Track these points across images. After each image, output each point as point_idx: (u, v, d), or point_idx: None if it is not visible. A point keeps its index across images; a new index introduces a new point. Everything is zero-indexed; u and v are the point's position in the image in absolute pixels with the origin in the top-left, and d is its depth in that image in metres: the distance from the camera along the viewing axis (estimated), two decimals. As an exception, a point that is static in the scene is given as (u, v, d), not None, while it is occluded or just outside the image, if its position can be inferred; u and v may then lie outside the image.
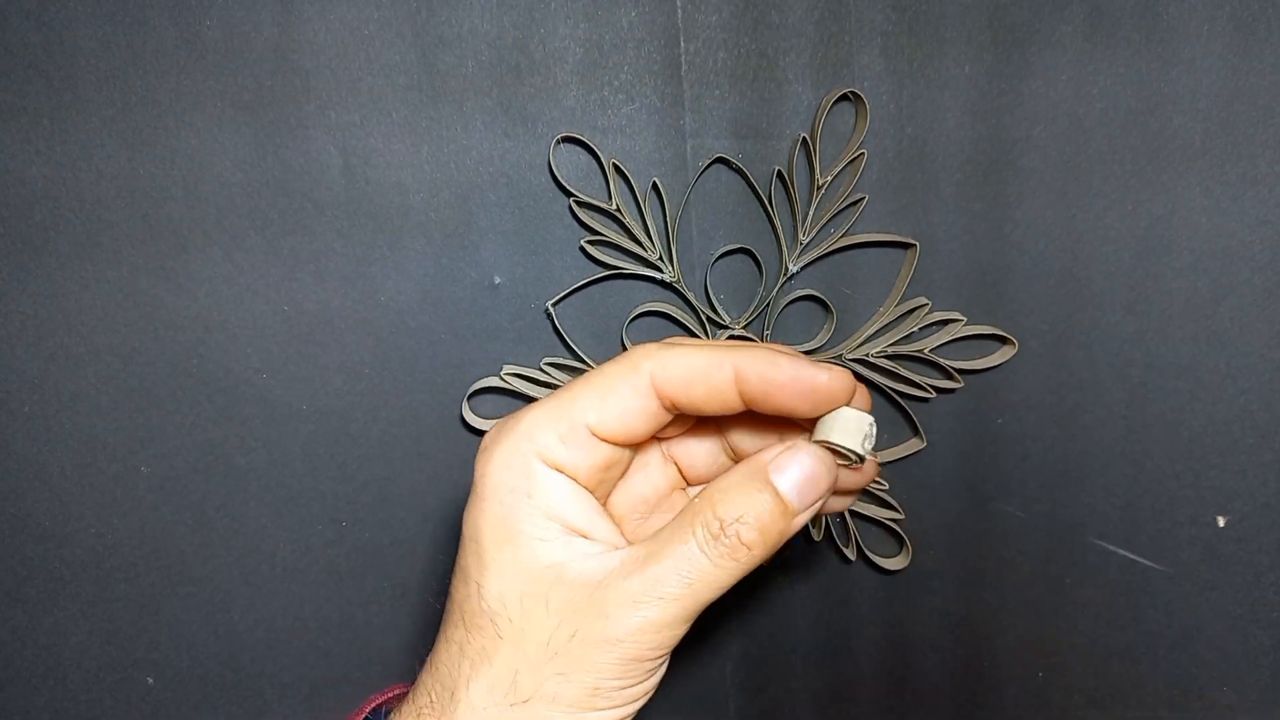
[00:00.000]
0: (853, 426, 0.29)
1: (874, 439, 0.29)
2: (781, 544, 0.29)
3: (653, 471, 0.33)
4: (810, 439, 0.29)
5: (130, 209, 0.38)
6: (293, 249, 0.39)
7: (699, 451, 0.33)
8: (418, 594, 0.43)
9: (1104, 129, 0.39)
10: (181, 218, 0.38)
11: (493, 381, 0.40)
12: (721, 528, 0.27)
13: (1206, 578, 0.42)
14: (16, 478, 0.40)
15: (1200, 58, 0.38)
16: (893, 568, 0.43)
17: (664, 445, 0.33)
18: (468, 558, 0.29)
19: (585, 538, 0.28)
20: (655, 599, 0.27)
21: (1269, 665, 0.43)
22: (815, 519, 0.42)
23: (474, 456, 0.29)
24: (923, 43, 0.38)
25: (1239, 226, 0.39)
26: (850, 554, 0.43)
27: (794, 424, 0.31)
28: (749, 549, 0.28)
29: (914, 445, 0.41)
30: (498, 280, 0.40)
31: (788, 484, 0.28)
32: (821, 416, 0.29)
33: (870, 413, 0.30)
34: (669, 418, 0.30)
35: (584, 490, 0.29)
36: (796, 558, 0.44)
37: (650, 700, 0.29)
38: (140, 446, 0.40)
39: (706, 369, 0.28)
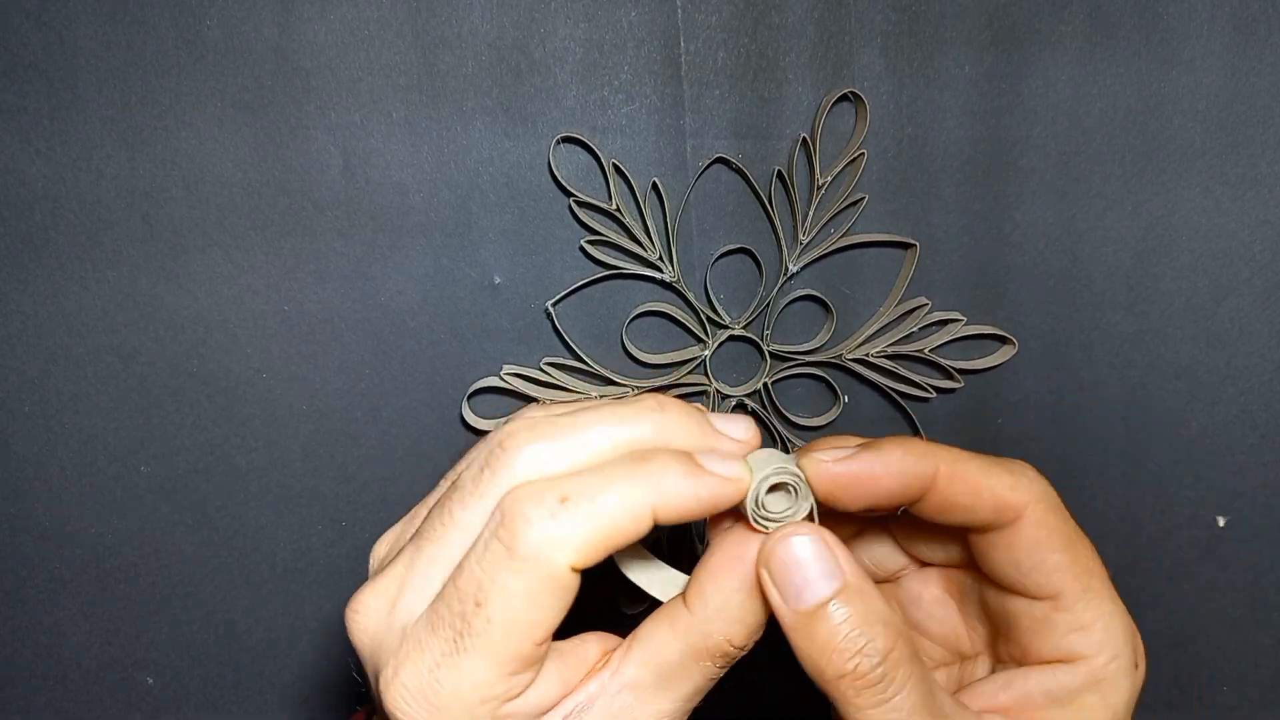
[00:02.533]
0: (765, 457, 0.26)
1: (795, 474, 0.26)
2: None
3: None
4: (752, 516, 0.26)
5: (130, 209, 0.38)
6: (293, 249, 0.39)
7: None
8: (418, 594, 0.43)
9: (1104, 129, 0.39)
10: (181, 218, 0.38)
11: (493, 381, 0.40)
12: (739, 650, 0.26)
13: (1206, 578, 0.42)
14: (16, 478, 0.40)
15: (1200, 58, 0.38)
16: (893, 568, 0.43)
17: None
18: None
19: (573, 694, 0.25)
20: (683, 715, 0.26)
21: (1269, 665, 0.43)
22: (809, 514, 0.42)
23: None
24: (923, 43, 0.38)
25: (1239, 226, 0.39)
26: (850, 554, 0.43)
27: None
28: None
29: (914, 445, 0.41)
30: (498, 280, 0.40)
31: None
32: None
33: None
34: None
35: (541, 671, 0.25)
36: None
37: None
38: (140, 446, 0.40)
39: (627, 534, 0.24)
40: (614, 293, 0.40)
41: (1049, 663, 0.27)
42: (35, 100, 0.37)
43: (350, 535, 0.42)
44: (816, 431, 0.41)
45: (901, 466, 0.26)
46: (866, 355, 0.40)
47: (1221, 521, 0.42)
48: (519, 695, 0.24)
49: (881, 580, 0.32)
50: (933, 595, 0.31)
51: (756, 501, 0.26)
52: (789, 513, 0.27)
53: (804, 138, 0.38)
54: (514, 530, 0.22)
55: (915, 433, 0.41)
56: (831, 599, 0.25)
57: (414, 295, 0.40)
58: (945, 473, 0.26)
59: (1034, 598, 0.27)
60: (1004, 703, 0.27)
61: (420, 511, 0.27)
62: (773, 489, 0.27)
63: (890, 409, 0.42)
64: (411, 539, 0.25)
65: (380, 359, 0.40)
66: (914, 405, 0.41)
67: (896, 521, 0.31)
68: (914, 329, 0.40)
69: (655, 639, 0.26)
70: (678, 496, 0.24)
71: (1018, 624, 0.28)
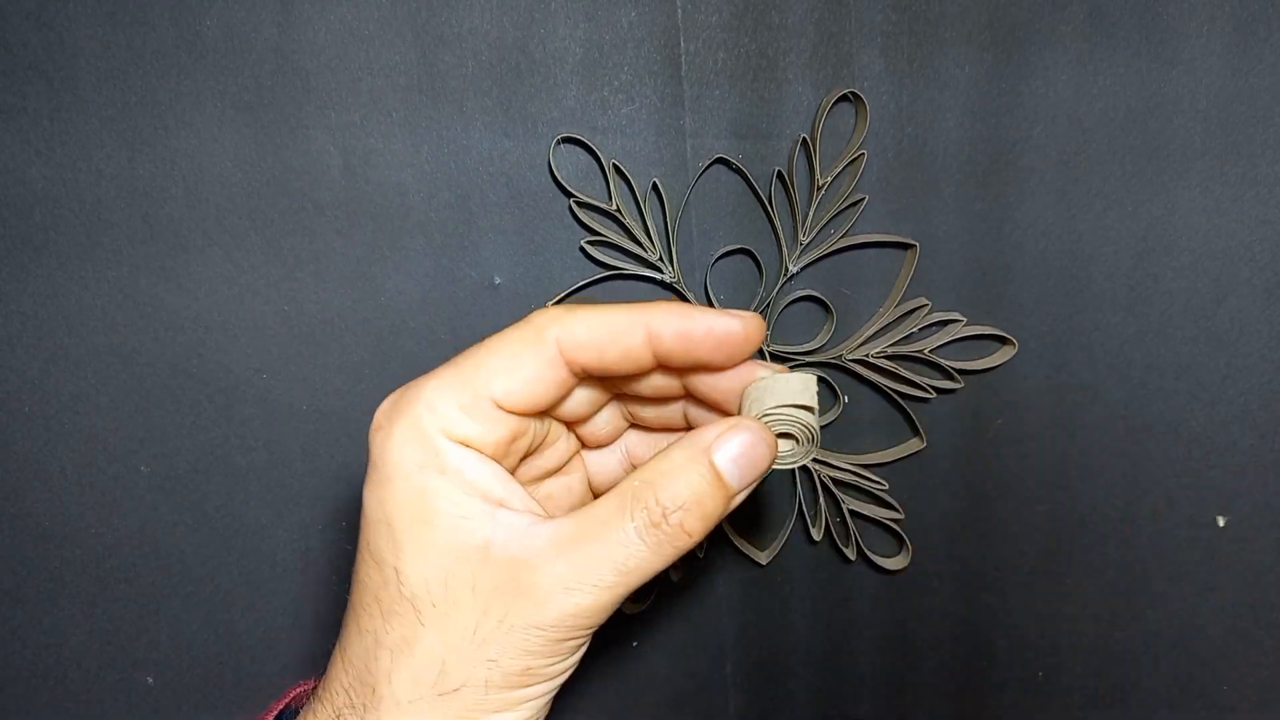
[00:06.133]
0: (797, 387, 0.28)
1: (815, 396, 0.28)
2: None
3: (555, 440, 0.32)
4: (747, 414, 0.28)
5: (130, 209, 0.38)
6: (293, 249, 0.39)
7: (600, 421, 0.32)
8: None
9: (1104, 129, 0.39)
10: (181, 218, 0.38)
11: (493, 381, 0.40)
12: (664, 515, 0.26)
13: (1206, 578, 0.42)
14: (16, 478, 0.40)
15: (1200, 58, 0.38)
16: (893, 568, 0.43)
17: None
18: (379, 540, 0.27)
19: (507, 508, 0.27)
20: (589, 585, 0.26)
21: (1269, 665, 0.43)
22: (815, 519, 0.42)
23: None
24: (923, 43, 0.38)
25: (1239, 226, 0.39)
26: (850, 554, 0.43)
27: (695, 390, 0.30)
28: (689, 535, 0.27)
29: (914, 445, 0.41)
30: (498, 280, 0.40)
31: (731, 467, 0.27)
32: (750, 386, 0.28)
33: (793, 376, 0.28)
34: (575, 384, 0.29)
35: (494, 462, 0.27)
36: (796, 557, 0.44)
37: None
38: (140, 446, 0.40)
39: (619, 331, 0.27)
40: (614, 293, 0.40)
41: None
42: (35, 100, 0.37)
43: (350, 535, 0.42)
44: (816, 431, 0.42)
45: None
46: (866, 356, 0.40)
47: (1221, 521, 0.42)
48: (466, 440, 0.26)
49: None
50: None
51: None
52: (790, 454, 0.28)
53: (804, 138, 0.38)
54: (529, 315, 0.28)
55: (915, 434, 0.41)
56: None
57: (414, 295, 0.40)
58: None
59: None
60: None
61: None
62: (782, 435, 0.28)
63: (890, 409, 0.42)
64: None
65: (380, 359, 0.40)
66: (914, 405, 0.41)
67: None
68: (914, 329, 0.40)
69: (600, 500, 0.27)
70: (672, 317, 0.27)
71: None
